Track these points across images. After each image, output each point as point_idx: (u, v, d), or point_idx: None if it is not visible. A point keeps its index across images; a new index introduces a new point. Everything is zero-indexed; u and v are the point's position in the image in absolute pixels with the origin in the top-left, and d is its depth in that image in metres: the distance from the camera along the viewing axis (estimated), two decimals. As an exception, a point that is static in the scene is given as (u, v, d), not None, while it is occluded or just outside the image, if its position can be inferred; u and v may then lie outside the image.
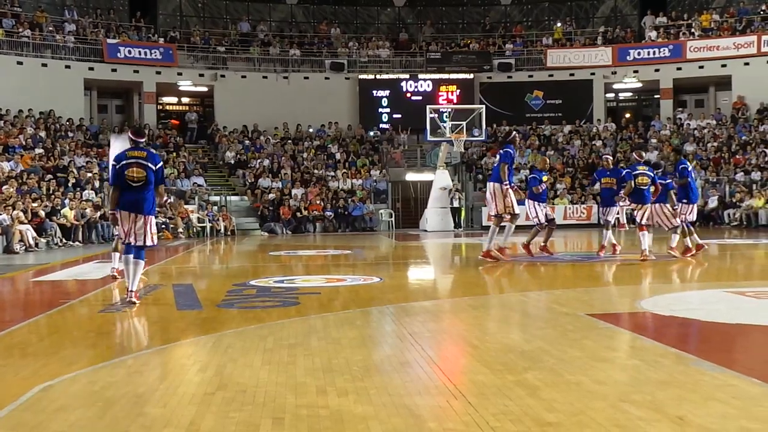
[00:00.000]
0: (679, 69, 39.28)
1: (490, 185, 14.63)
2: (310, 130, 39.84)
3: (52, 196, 26.10)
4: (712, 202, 31.21)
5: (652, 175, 14.59)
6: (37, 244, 22.46)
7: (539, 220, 15.87)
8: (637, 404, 4.50)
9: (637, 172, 14.58)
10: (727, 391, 4.76)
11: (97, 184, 29.76)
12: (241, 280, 12.65)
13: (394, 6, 44.93)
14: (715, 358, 5.79)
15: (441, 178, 33.20)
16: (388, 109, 40.74)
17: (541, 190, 15.74)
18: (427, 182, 34.78)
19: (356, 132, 40.12)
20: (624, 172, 15.56)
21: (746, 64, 37.89)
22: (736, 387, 4.90)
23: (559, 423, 4.18)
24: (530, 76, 41.22)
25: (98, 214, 26.36)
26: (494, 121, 39.12)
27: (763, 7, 39.46)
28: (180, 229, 29.89)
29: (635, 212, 14.79)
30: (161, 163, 9.84)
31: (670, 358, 5.89)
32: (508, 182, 14.18)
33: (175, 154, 35.94)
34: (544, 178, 16.20)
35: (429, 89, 40.57)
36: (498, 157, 14.76)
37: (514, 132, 15.13)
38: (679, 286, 10.98)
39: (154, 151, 10.28)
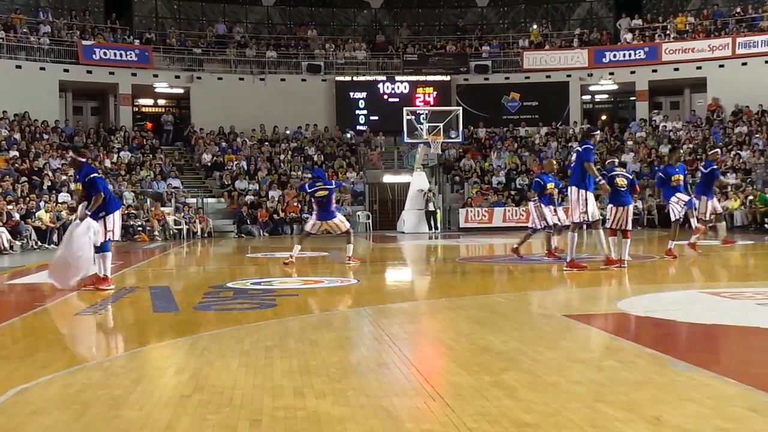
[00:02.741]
0: (654, 71, 39.52)
1: (572, 189, 13.25)
2: (287, 131, 39.80)
3: (27, 199, 25.94)
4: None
5: (630, 176, 14.55)
6: (11, 247, 22.33)
7: (547, 223, 15.54)
8: (613, 404, 4.52)
9: (615, 173, 14.44)
10: (702, 392, 4.79)
11: (72, 186, 29.59)
12: (218, 282, 12.61)
13: (370, 8, 44.95)
14: (690, 359, 5.82)
15: (418, 180, 33.23)
16: (365, 111, 40.76)
17: (536, 195, 15.49)
18: (405, 184, 34.83)
19: (333, 134, 40.10)
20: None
21: (721, 66, 38.16)
22: (712, 387, 4.93)
23: (536, 423, 4.19)
24: (507, 78, 41.36)
25: (73, 216, 26.21)
26: (471, 123, 39.27)
27: (738, 10, 39.77)
28: (156, 232, 29.81)
29: (614, 216, 14.43)
30: (332, 186, 16.07)
31: (646, 359, 5.92)
32: (597, 178, 13.20)
33: (151, 156, 35.81)
34: (549, 185, 15.63)
35: (406, 91, 40.62)
36: (575, 155, 13.42)
37: (598, 131, 14.30)
38: (655, 287, 11.03)
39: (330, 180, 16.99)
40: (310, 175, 19.64)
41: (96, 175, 11.54)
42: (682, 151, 19.13)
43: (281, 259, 17.11)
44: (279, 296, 10.29)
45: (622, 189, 14.15)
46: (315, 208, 16.04)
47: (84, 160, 11.97)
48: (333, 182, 16.65)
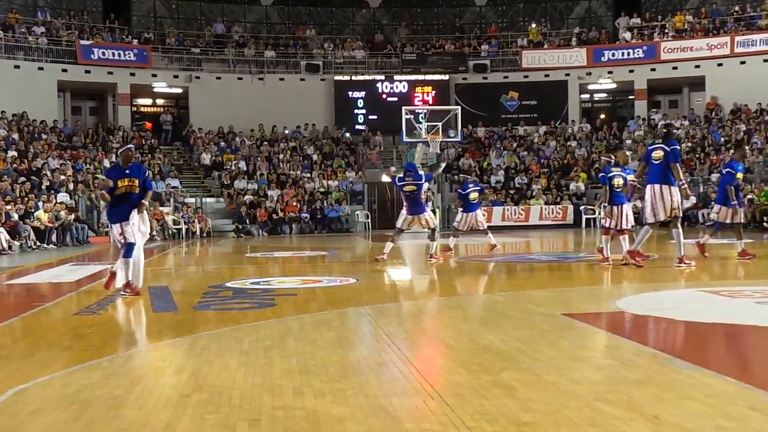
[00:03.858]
0: (653, 70, 39.51)
1: (655, 187, 13.15)
2: (286, 131, 39.77)
3: (26, 199, 25.91)
4: (688, 202, 31.36)
5: (625, 176, 14.53)
6: (10, 247, 22.30)
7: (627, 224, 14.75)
8: (612, 403, 4.51)
9: (612, 174, 14.48)
10: (702, 390, 4.78)
11: (71, 186, 29.57)
12: (217, 281, 12.61)
13: (369, 7, 44.93)
14: (690, 357, 5.82)
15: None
16: (363, 111, 40.72)
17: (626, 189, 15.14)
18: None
19: (333, 133, 40.08)
20: (600, 175, 15.64)
21: (719, 65, 38.15)
22: (712, 386, 4.93)
23: (535, 422, 4.19)
24: (505, 77, 41.33)
25: (72, 216, 26.20)
26: (470, 122, 39.27)
27: (736, 8, 39.77)
28: (155, 231, 29.77)
29: (608, 215, 14.44)
30: (422, 180, 15.86)
31: (645, 358, 5.92)
32: (680, 182, 13.18)
33: (149, 155, 35.79)
34: (630, 177, 14.75)
35: (405, 90, 40.59)
36: (663, 153, 13.11)
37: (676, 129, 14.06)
38: (654, 286, 11.03)
39: (420, 173, 16.27)
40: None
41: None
42: (747, 147, 18.72)
43: (280, 258, 17.10)
44: (278, 296, 10.29)
45: (618, 189, 14.24)
46: (405, 203, 16.18)
47: None
48: (423, 176, 16.36)
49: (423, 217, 15.90)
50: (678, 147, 13.48)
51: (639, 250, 13.54)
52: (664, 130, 13.96)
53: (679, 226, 13.38)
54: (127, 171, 10.73)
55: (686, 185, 13.43)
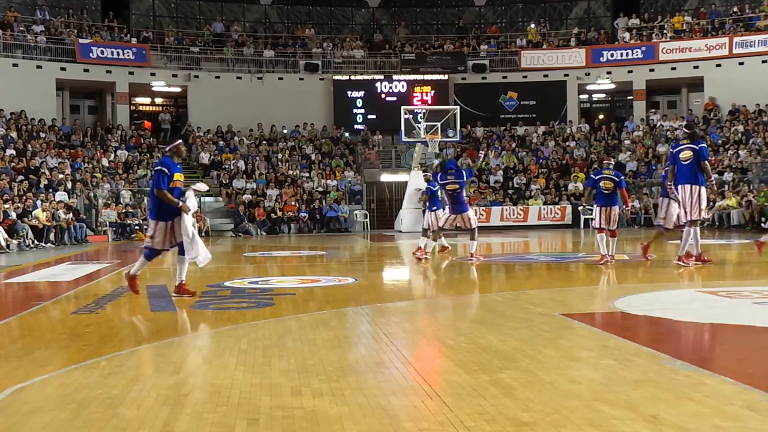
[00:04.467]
0: (651, 70, 39.50)
1: (686, 188, 13.23)
2: (285, 131, 39.73)
3: (24, 197, 25.89)
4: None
5: (617, 179, 14.55)
6: (8, 246, 22.27)
7: (677, 222, 14.47)
8: (611, 403, 4.52)
9: (601, 176, 14.55)
10: (700, 390, 4.79)
11: (69, 185, 29.55)
12: (216, 281, 12.62)
13: (368, 7, 44.90)
14: (688, 357, 5.83)
15: (416, 179, 33.18)
16: (362, 110, 40.68)
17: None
18: (402, 183, 34.79)
19: (331, 133, 40.07)
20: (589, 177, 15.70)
21: (718, 65, 38.14)
22: (709, 386, 4.94)
23: (534, 422, 4.19)
24: (504, 78, 41.30)
25: (70, 215, 26.18)
26: (468, 122, 39.23)
27: (735, 9, 39.78)
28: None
29: (599, 216, 14.47)
30: (464, 178, 15.75)
31: (643, 358, 5.92)
32: (710, 180, 13.35)
33: (148, 155, 35.78)
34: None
35: (404, 90, 40.56)
36: (692, 153, 13.20)
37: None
38: (652, 286, 11.04)
39: (462, 171, 16.10)
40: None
41: None
42: None
43: (279, 258, 17.04)
44: (276, 295, 10.29)
45: (606, 192, 14.33)
46: (447, 201, 16.04)
47: None
48: (464, 173, 16.29)
49: (465, 216, 15.80)
50: (705, 145, 13.61)
51: (696, 254, 13.56)
52: (688, 131, 14.04)
53: (697, 228, 13.40)
54: (178, 165, 10.73)
55: (714, 183, 13.47)
